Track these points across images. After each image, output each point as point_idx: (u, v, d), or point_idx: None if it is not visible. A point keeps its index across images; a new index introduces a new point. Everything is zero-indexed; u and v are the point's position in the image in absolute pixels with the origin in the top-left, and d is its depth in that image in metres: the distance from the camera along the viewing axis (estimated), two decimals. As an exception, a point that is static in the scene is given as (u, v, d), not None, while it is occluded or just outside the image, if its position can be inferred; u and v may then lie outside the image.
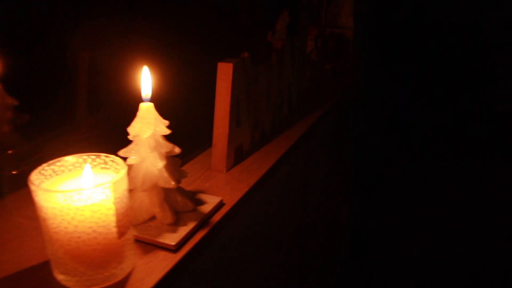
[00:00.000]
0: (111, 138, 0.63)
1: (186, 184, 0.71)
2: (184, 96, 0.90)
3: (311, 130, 0.97)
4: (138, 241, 0.57)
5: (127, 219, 0.50)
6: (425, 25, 1.70)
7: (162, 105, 0.61)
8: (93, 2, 0.79)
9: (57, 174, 0.51)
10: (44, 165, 0.50)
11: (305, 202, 1.07)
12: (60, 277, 0.49)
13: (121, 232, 0.49)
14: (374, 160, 1.61)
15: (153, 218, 0.60)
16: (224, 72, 0.72)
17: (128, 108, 0.82)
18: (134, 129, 0.57)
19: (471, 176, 1.98)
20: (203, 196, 0.65)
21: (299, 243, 1.10)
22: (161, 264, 0.53)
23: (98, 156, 0.53)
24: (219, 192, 0.68)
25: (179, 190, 0.62)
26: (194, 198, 0.65)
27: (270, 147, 0.85)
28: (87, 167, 0.50)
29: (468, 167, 1.97)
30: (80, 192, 0.45)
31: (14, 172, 0.69)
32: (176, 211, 0.60)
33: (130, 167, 0.58)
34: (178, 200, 0.61)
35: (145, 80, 0.57)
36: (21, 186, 0.72)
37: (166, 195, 0.60)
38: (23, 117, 0.72)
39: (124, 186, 0.49)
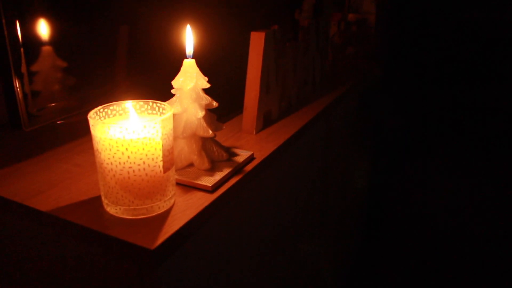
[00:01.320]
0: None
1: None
2: (221, 63, 0.95)
3: (332, 106, 1.01)
4: (178, 184, 0.61)
5: (171, 156, 0.55)
6: (443, 17, 1.73)
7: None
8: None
9: (109, 116, 0.57)
10: (100, 107, 0.55)
11: (326, 170, 1.12)
12: (109, 207, 0.54)
13: (166, 167, 0.54)
14: (392, 142, 1.64)
15: (191, 165, 0.64)
16: (257, 41, 0.77)
17: (157, 73, 0.87)
18: (177, 82, 0.62)
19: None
20: (236, 150, 0.70)
21: (320, 203, 1.14)
22: (199, 201, 0.57)
23: (147, 103, 0.58)
24: (249, 149, 0.73)
25: (215, 141, 0.66)
26: (229, 151, 0.69)
27: (295, 117, 0.89)
28: (132, 109, 0.56)
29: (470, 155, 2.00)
30: (134, 125, 0.50)
31: (59, 122, 0.74)
32: (212, 159, 0.65)
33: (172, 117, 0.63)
34: (214, 150, 0.65)
35: (188, 38, 0.62)
36: (67, 138, 0.77)
37: (204, 144, 0.64)
38: (70, 78, 0.78)
39: (170, 125, 0.54)
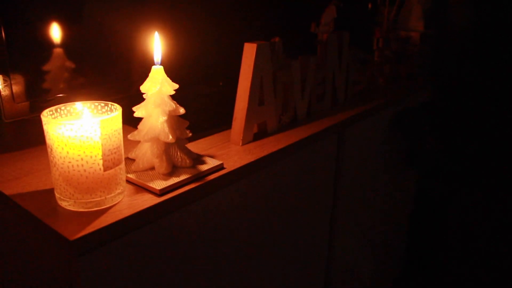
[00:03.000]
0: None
1: (200, 150, 0.78)
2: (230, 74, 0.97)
3: (343, 124, 0.97)
4: (134, 184, 0.65)
5: (115, 156, 0.58)
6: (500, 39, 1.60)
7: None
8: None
9: (71, 114, 0.62)
10: (61, 105, 0.61)
11: (334, 203, 1.08)
12: (57, 198, 0.59)
13: (107, 166, 0.57)
14: (436, 176, 1.53)
15: (153, 168, 0.68)
16: (249, 52, 0.78)
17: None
18: (144, 87, 0.65)
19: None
20: (207, 159, 0.72)
21: (322, 242, 1.10)
22: (143, 203, 0.60)
23: (107, 104, 0.62)
24: (225, 159, 0.74)
25: (181, 147, 0.69)
26: (198, 159, 0.71)
27: (295, 132, 0.88)
28: (86, 109, 0.60)
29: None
30: (72, 123, 0.54)
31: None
32: (175, 165, 0.68)
33: (141, 120, 0.67)
34: (178, 155, 0.68)
35: (156, 46, 0.65)
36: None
37: (167, 148, 0.67)
38: (79, 78, 0.85)
39: (114, 127, 0.57)
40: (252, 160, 0.74)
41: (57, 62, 0.82)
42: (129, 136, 0.66)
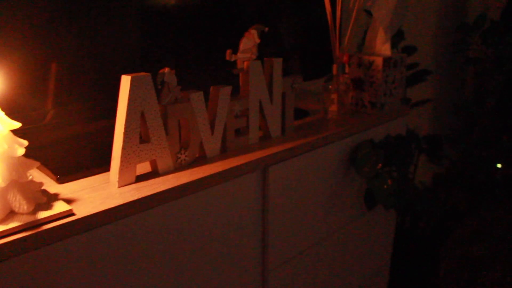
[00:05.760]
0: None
1: (73, 191, 0.75)
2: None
3: (270, 159, 0.91)
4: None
5: None
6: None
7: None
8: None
9: None
10: None
11: (265, 238, 1.00)
12: None
13: None
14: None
15: (-10, 213, 0.65)
16: (124, 85, 0.74)
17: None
18: (-22, 127, 0.64)
19: None
20: (58, 204, 0.68)
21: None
22: (-49, 254, 0.58)
23: None
24: (88, 203, 0.70)
25: (24, 191, 0.66)
26: (48, 204, 0.68)
27: (199, 171, 0.83)
28: None
29: None
30: None
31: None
32: (12, 210, 0.65)
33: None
34: (15, 200, 0.65)
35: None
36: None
37: (3, 192, 0.64)
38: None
39: None
40: (113, 206, 0.70)
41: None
42: (-33, 178, 0.65)
